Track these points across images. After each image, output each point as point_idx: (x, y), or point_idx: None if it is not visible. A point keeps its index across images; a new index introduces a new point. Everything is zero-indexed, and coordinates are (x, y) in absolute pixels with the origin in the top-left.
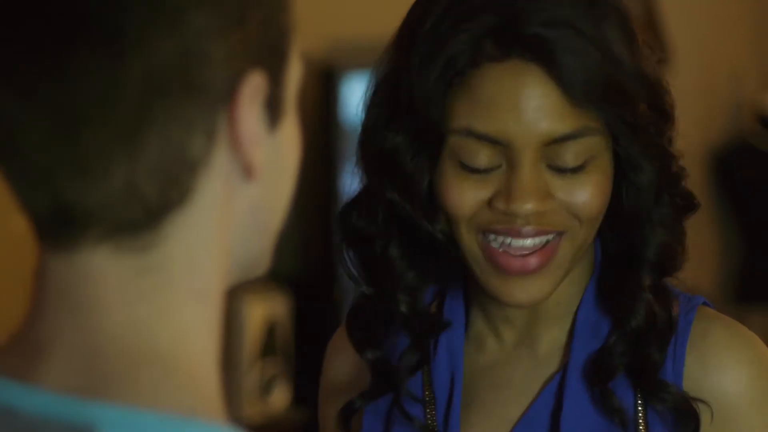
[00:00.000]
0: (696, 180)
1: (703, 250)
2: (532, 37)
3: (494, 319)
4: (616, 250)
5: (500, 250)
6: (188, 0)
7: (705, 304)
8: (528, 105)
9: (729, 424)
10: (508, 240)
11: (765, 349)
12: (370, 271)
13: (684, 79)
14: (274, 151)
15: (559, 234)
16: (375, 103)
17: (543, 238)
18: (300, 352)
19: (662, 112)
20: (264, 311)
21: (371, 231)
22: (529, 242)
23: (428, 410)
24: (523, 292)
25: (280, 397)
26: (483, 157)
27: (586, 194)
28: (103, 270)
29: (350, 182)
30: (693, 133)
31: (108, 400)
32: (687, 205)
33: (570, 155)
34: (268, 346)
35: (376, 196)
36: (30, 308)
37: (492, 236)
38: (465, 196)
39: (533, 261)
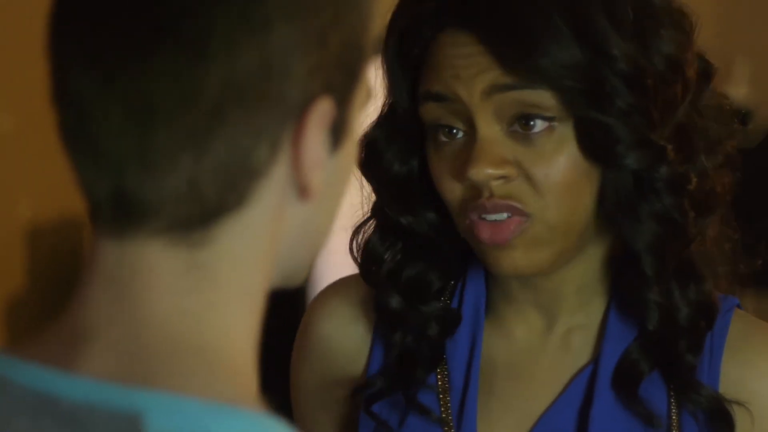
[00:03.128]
0: None
1: None
2: (468, 8)
3: (517, 299)
4: (617, 245)
5: (477, 220)
6: (277, 14)
7: (738, 306)
8: (467, 63)
9: (763, 428)
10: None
11: None
12: (359, 259)
13: None
14: (331, 174)
15: (527, 216)
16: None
17: (510, 208)
18: (265, 340)
19: (646, 97)
20: None
21: (362, 219)
22: (496, 216)
23: (441, 398)
24: (505, 260)
25: None
26: (446, 119)
27: (547, 164)
28: (155, 262)
29: None
30: None
31: (154, 388)
32: (695, 196)
33: (517, 106)
34: None
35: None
36: (76, 295)
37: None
38: (442, 169)
39: (502, 232)
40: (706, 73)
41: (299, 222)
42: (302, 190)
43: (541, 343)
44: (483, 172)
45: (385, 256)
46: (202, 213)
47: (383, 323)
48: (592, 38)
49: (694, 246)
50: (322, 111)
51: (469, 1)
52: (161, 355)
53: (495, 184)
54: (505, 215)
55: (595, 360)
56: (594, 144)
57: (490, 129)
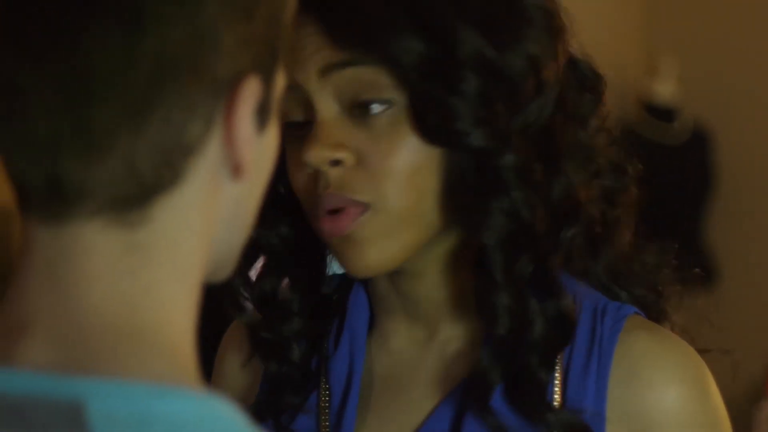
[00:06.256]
0: None
1: None
2: None
3: (396, 311)
4: (468, 240)
5: (321, 216)
6: None
7: (637, 313)
8: (303, 44)
9: None
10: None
11: (701, 366)
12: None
13: None
14: (259, 154)
15: (365, 206)
16: None
17: (347, 202)
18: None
19: (488, 84)
20: None
21: None
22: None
23: (323, 417)
24: (355, 258)
25: None
26: (291, 111)
27: (385, 148)
28: (91, 244)
29: None
30: None
31: (94, 374)
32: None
33: (354, 87)
34: None
35: None
36: (12, 286)
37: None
38: (290, 161)
39: (340, 222)
40: (588, 82)
41: (232, 201)
42: (235, 168)
43: (422, 355)
44: (318, 154)
45: (241, 269)
46: (138, 192)
47: (253, 347)
48: (428, 21)
49: (617, 251)
50: (251, 88)
51: None
52: (100, 341)
53: (332, 172)
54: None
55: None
56: (431, 123)
57: (328, 111)
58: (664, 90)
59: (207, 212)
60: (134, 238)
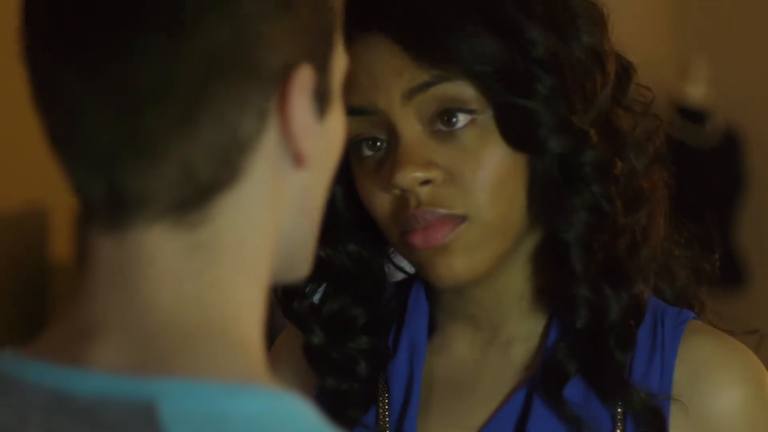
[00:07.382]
0: None
1: None
2: (372, 11)
3: (460, 314)
4: (545, 243)
5: (409, 231)
6: None
7: (695, 318)
8: (383, 67)
9: None
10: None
11: (761, 366)
12: (279, 293)
13: None
14: (322, 140)
15: (462, 218)
16: None
17: (442, 216)
18: None
19: (565, 82)
20: None
21: None
22: (427, 218)
23: (381, 416)
24: (444, 269)
25: None
26: (368, 132)
27: (474, 160)
28: (155, 248)
29: None
30: None
31: (165, 375)
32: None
33: (436, 104)
34: None
35: None
36: (79, 291)
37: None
38: (369, 184)
39: (435, 234)
40: (626, 70)
41: (298, 191)
42: (296, 158)
43: (483, 357)
44: (409, 176)
45: (306, 290)
46: (197, 193)
47: (309, 363)
48: (503, 26)
49: (648, 247)
50: (303, 77)
51: (379, 2)
52: (170, 341)
53: (422, 190)
54: (428, 219)
55: (535, 372)
56: (516, 130)
57: (412, 132)
58: (696, 92)
59: (272, 206)
60: (197, 239)
